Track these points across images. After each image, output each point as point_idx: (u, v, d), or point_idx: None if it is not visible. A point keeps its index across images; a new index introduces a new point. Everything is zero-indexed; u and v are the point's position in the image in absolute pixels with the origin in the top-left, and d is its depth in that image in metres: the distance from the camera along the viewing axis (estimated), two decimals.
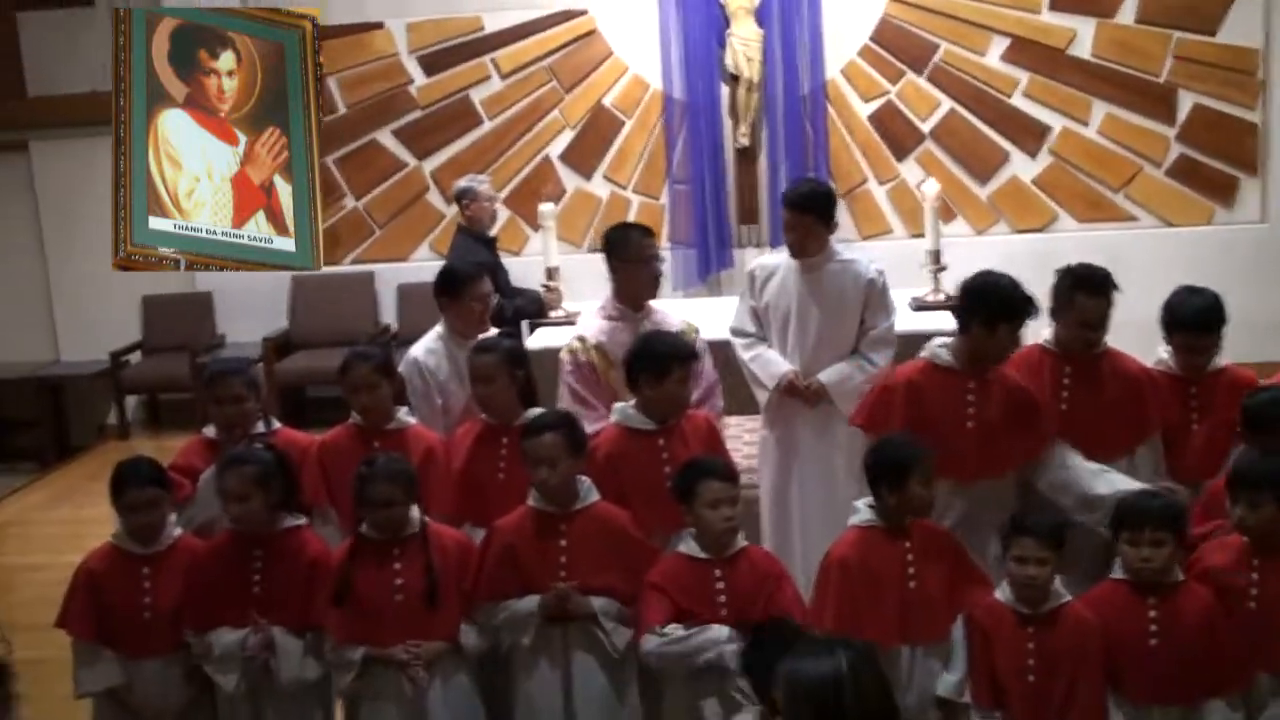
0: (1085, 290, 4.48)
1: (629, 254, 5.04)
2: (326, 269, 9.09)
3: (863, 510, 3.97)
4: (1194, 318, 4.45)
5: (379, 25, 9.07)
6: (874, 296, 5.18)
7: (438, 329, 5.13)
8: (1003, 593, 3.79)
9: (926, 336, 6.12)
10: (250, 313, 9.14)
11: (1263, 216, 8.73)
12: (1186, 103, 8.71)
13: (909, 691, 3.84)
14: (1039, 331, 4.65)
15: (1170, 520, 3.71)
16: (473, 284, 5.09)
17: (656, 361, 4.38)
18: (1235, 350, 4.64)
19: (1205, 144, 8.72)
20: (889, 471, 3.88)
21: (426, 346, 5.07)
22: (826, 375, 5.11)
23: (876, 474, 3.92)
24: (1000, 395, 4.35)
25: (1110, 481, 4.23)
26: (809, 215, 5.10)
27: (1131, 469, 4.38)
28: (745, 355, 5.22)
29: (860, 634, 3.74)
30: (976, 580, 3.93)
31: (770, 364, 5.16)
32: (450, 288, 5.10)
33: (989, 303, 4.29)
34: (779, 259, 5.26)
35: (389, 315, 9.17)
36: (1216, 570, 3.78)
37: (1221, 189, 8.76)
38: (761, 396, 5.22)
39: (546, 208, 7.43)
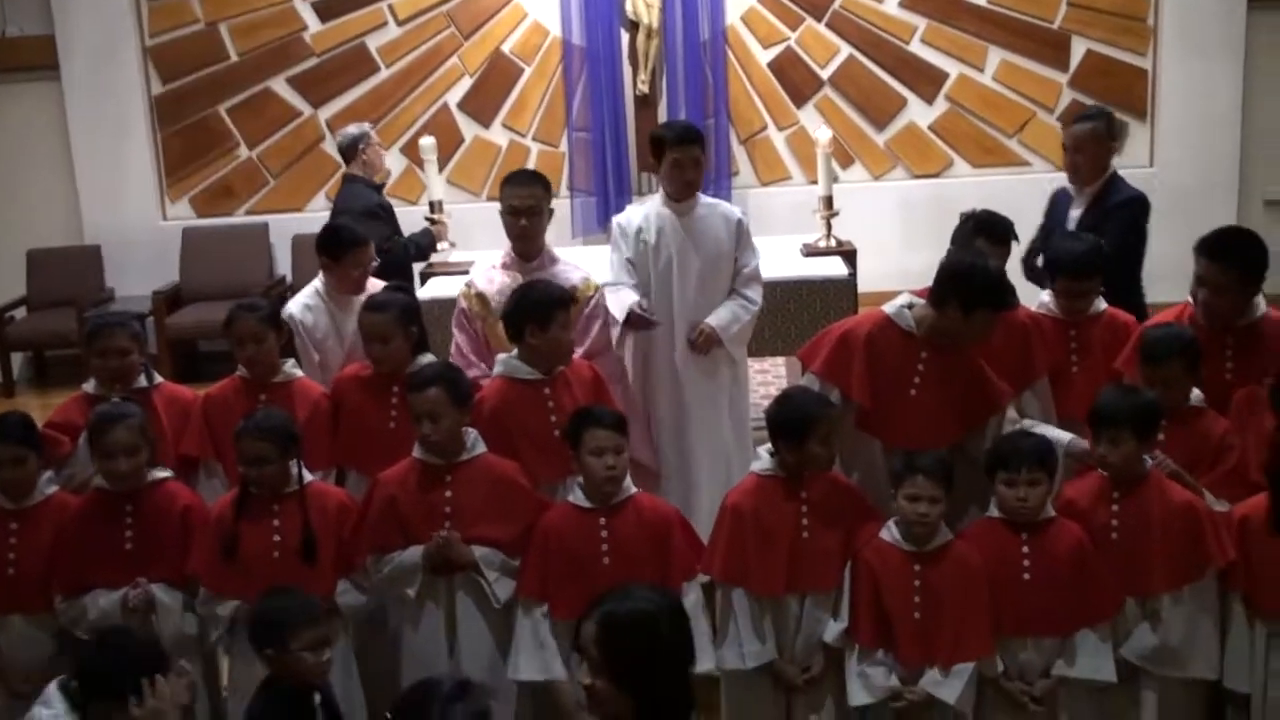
0: (985, 236, 4.60)
1: (502, 202, 5.00)
2: (219, 220, 9.03)
3: (764, 458, 4.00)
4: (1074, 262, 4.52)
5: None
6: (743, 235, 5.21)
7: (316, 284, 5.08)
8: (889, 532, 3.85)
9: (818, 282, 6.28)
10: (139, 266, 8.94)
11: (1150, 161, 8.93)
12: (1079, 49, 8.85)
13: (796, 637, 3.90)
14: None
15: (1044, 460, 3.79)
16: (355, 250, 5.01)
17: (538, 309, 4.35)
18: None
19: (1097, 90, 8.85)
20: (789, 428, 3.90)
21: (304, 302, 5.01)
22: (716, 319, 5.09)
23: (776, 428, 3.93)
24: (951, 371, 4.23)
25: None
26: (698, 146, 5.11)
27: (1019, 412, 4.42)
28: (609, 299, 5.08)
29: (746, 581, 3.81)
30: (866, 527, 3.95)
31: (619, 296, 5.06)
32: (333, 250, 5.03)
33: (973, 287, 4.11)
34: (643, 209, 5.19)
35: (284, 267, 9.04)
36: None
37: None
38: (649, 351, 5.17)
39: (427, 142, 7.35)
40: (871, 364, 4.23)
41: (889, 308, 4.31)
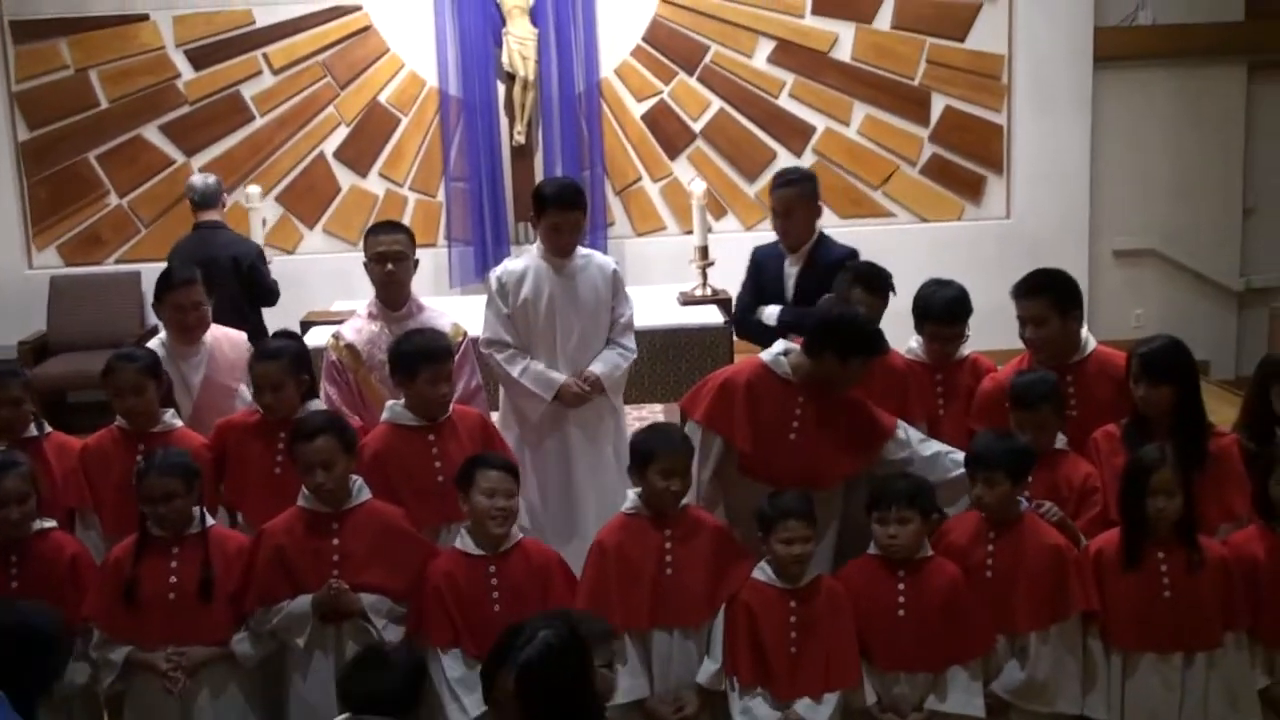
0: (863, 286, 4.81)
1: (366, 250, 5.05)
2: (88, 269, 8.87)
3: (631, 497, 4.12)
4: (942, 309, 4.73)
5: (144, 17, 8.81)
6: (619, 286, 5.31)
7: (160, 336, 5.09)
8: (763, 572, 3.98)
9: (695, 330, 6.44)
10: (4, 315, 8.74)
11: (1007, 213, 9.32)
12: (939, 105, 9.21)
13: (668, 673, 3.99)
14: None
15: (915, 499, 3.97)
16: (171, 291, 5.00)
17: (404, 361, 4.42)
18: (983, 339, 4.95)
19: (955, 144, 9.24)
20: (634, 456, 4.06)
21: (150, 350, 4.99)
22: (599, 368, 5.16)
23: (630, 456, 4.10)
24: (829, 414, 4.38)
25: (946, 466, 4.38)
26: (580, 211, 5.19)
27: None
28: (513, 370, 5.10)
29: (609, 615, 3.87)
30: (736, 569, 4.07)
31: (543, 375, 5.09)
32: (156, 290, 5.06)
33: (848, 336, 4.30)
34: (521, 264, 5.20)
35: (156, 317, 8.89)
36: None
37: (970, 187, 9.30)
38: (530, 408, 5.17)
39: (253, 190, 7.58)
40: (751, 410, 4.37)
41: (766, 356, 4.47)
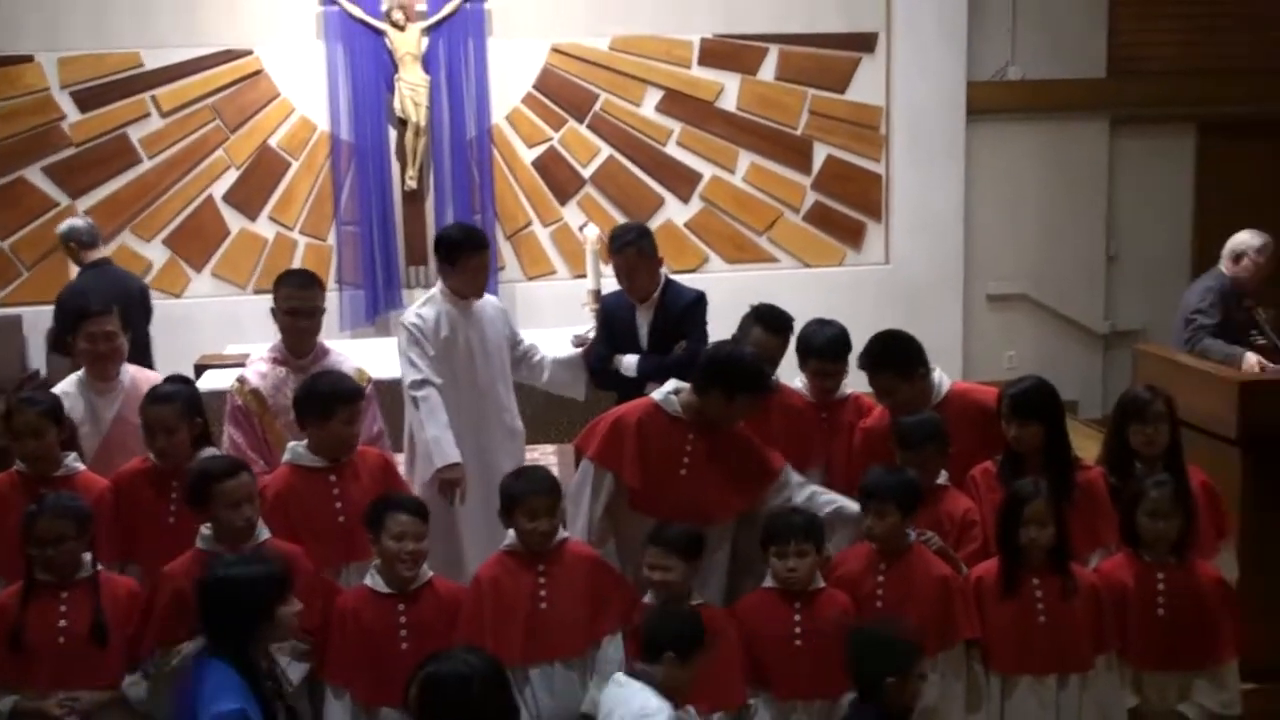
0: (764, 325, 4.98)
1: (278, 302, 5.11)
2: None
3: (509, 537, 4.23)
4: (824, 345, 4.95)
5: (29, 59, 8.70)
6: (511, 319, 5.62)
7: (79, 373, 5.07)
8: (648, 598, 4.13)
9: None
10: None
11: (886, 258, 9.65)
12: (821, 154, 9.52)
13: (552, 705, 4.09)
14: None
15: (811, 533, 4.14)
16: (83, 321, 5.01)
17: (320, 402, 4.49)
18: (864, 379, 5.12)
19: (837, 192, 9.55)
20: (502, 501, 4.19)
21: (63, 389, 4.98)
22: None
23: (503, 503, 4.21)
24: (718, 451, 4.54)
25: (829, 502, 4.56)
26: (487, 253, 5.38)
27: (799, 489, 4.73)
28: (428, 426, 5.11)
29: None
30: (617, 599, 4.20)
31: (444, 448, 5.09)
32: (69, 323, 5.11)
33: (734, 374, 4.45)
34: (432, 308, 5.31)
35: (38, 360, 8.73)
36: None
37: (851, 233, 9.62)
38: (423, 463, 5.21)
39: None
40: (642, 448, 4.52)
41: (657, 395, 4.63)
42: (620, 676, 3.69)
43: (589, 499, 4.53)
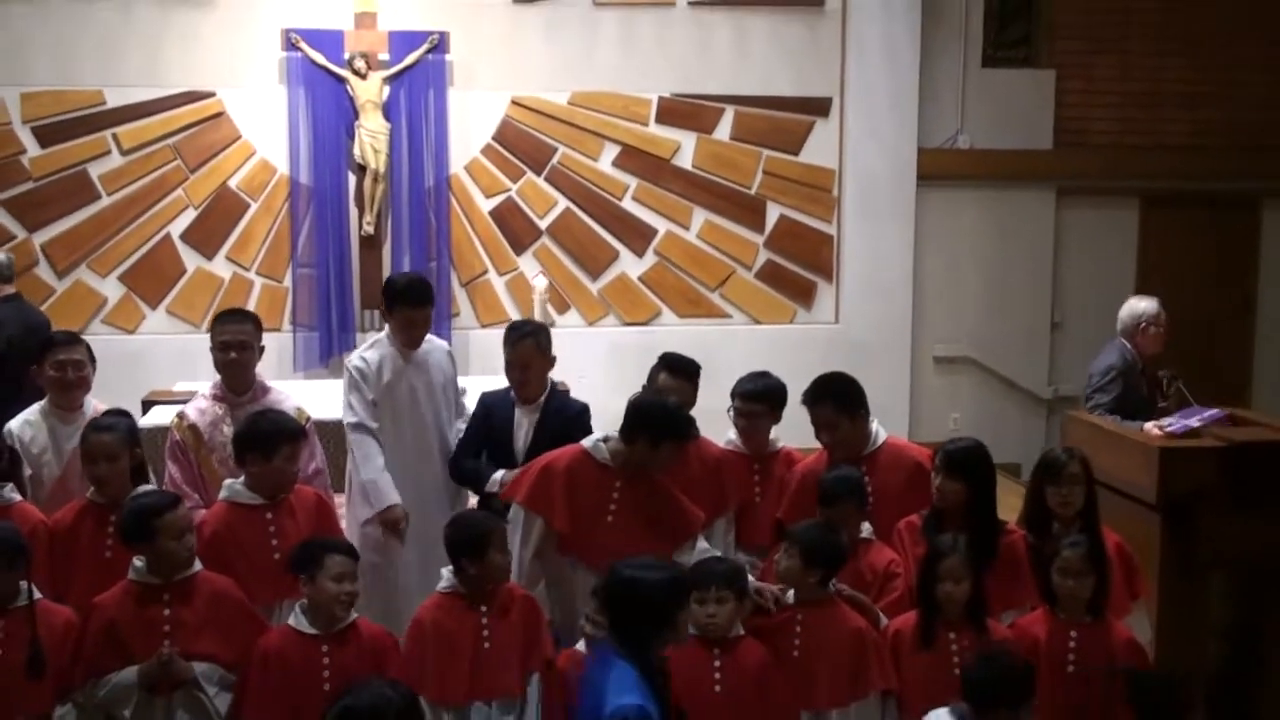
0: (669, 370, 5.11)
1: (212, 338, 5.18)
2: None
3: (446, 577, 4.28)
4: (749, 390, 5.10)
5: None
6: (454, 362, 5.66)
7: (41, 403, 5.12)
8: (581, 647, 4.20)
9: None
10: None
11: (836, 318, 9.82)
12: (774, 213, 9.71)
13: None
14: None
15: (731, 580, 4.22)
16: (49, 350, 5.08)
17: (263, 439, 4.56)
18: (807, 438, 5.19)
19: (789, 251, 9.74)
20: (469, 544, 4.19)
21: (25, 418, 5.05)
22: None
23: (456, 547, 4.22)
24: (644, 498, 4.65)
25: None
26: (430, 307, 5.46)
27: (707, 538, 4.87)
28: (364, 469, 5.23)
29: (425, 690, 4.02)
30: (545, 640, 4.29)
31: (381, 491, 5.20)
32: (37, 352, 5.12)
33: (658, 422, 4.59)
34: (376, 353, 5.39)
35: None
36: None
37: (802, 292, 9.79)
38: (360, 504, 5.31)
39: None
40: (570, 493, 4.63)
41: (586, 443, 4.75)
42: None
43: (519, 543, 4.61)
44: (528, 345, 5.24)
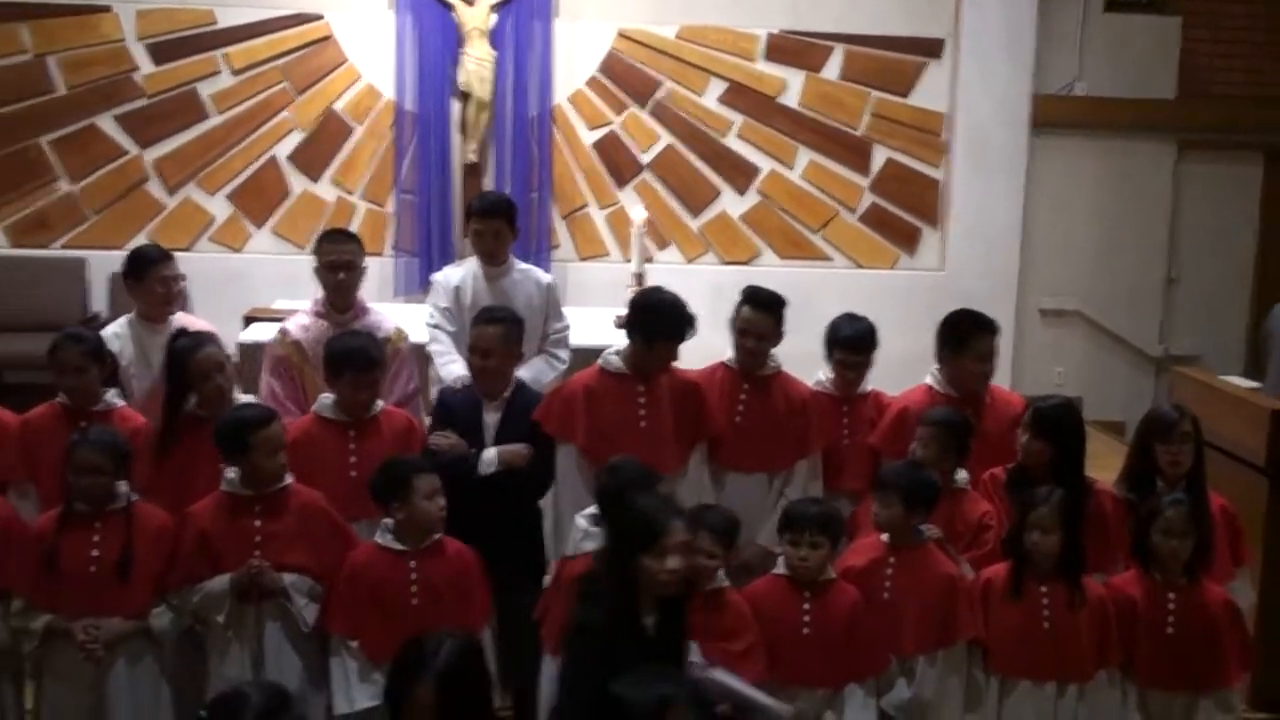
0: (750, 303, 4.94)
1: (319, 257, 5.25)
2: (32, 251, 8.91)
3: (380, 529, 4.18)
4: (850, 337, 4.98)
5: (106, 8, 8.88)
6: (554, 300, 5.60)
7: (129, 314, 5.24)
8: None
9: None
10: None
11: (941, 265, 9.60)
12: (880, 156, 9.49)
13: None
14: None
15: (825, 526, 4.16)
16: (155, 265, 5.20)
17: (331, 361, 4.59)
18: (904, 383, 5.12)
19: (894, 195, 9.53)
20: (391, 487, 4.09)
21: (114, 330, 5.17)
22: (525, 373, 5.14)
23: (377, 492, 4.13)
24: (670, 396, 4.65)
25: None
26: (500, 220, 5.45)
27: (788, 479, 4.84)
28: (438, 362, 5.45)
29: (361, 636, 4.04)
30: (480, 594, 4.23)
31: (449, 365, 5.33)
32: (134, 269, 5.21)
33: (649, 320, 4.59)
34: (461, 269, 5.51)
35: (100, 303, 8.95)
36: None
37: (906, 237, 9.59)
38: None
39: None
40: (591, 410, 4.62)
41: (600, 359, 4.74)
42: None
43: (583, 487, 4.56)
44: (493, 330, 4.69)
